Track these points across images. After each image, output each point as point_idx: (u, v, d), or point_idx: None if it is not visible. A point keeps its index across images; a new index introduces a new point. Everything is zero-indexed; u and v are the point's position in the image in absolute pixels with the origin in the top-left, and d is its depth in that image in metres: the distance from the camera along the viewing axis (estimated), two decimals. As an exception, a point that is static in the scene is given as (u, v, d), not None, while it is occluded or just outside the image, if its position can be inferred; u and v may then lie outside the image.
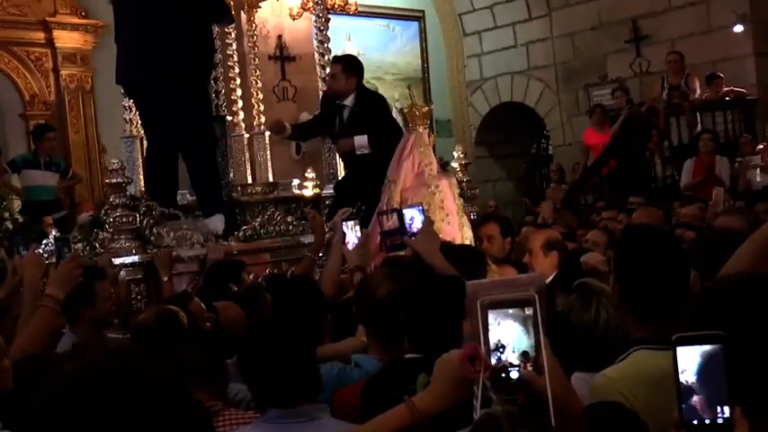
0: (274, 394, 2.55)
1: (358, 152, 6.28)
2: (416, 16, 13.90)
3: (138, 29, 5.74)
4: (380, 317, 3.19)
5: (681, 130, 10.79)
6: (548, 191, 11.83)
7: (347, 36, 12.40)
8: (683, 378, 1.56)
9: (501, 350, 1.84)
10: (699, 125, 10.68)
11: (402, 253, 4.16)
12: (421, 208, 4.39)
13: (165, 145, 5.99)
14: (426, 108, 5.65)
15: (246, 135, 7.22)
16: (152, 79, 5.73)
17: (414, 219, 4.25)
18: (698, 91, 10.93)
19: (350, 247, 4.48)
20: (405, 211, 4.34)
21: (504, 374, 1.83)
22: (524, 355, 1.80)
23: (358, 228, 4.60)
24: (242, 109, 7.22)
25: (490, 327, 1.84)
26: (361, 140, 6.26)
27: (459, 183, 7.56)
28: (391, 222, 4.46)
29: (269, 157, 7.28)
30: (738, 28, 11.00)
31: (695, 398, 1.56)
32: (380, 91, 13.02)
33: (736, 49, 11.16)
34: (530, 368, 1.80)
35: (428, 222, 4.21)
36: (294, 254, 6.06)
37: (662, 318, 2.50)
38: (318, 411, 2.51)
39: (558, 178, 12.15)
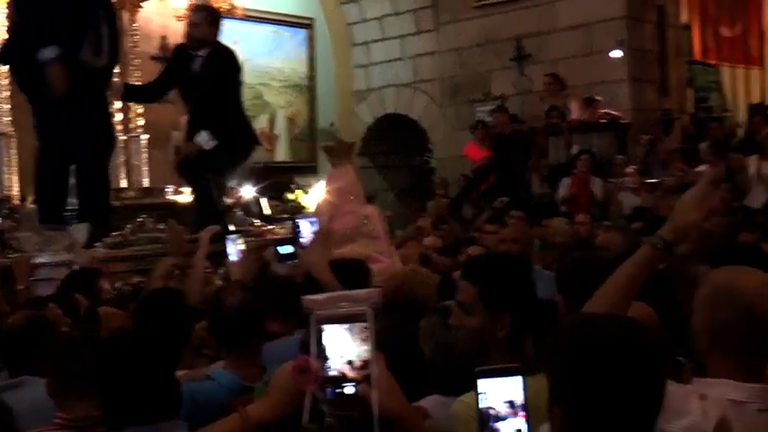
0: (131, 411, 2.45)
1: (207, 148, 6.19)
2: (306, 23, 13.86)
3: None
4: (228, 327, 3.14)
5: (558, 149, 11.06)
6: (429, 204, 11.94)
7: (234, 40, 12.20)
8: (486, 410, 1.64)
9: (335, 363, 1.87)
10: (575, 145, 10.99)
11: None
12: (315, 220, 4.37)
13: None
14: (350, 142, 5.64)
15: (123, 137, 7.03)
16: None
17: (305, 230, 4.22)
18: (575, 112, 11.24)
19: (233, 260, 4.44)
20: (299, 221, 4.31)
21: (339, 389, 1.86)
22: (350, 363, 1.83)
23: (241, 241, 4.55)
24: (119, 110, 7.03)
25: (325, 340, 1.86)
26: (202, 137, 6.19)
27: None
28: (284, 232, 4.43)
29: (145, 160, 7.12)
30: (616, 53, 11.36)
31: (496, 427, 1.63)
32: (266, 97, 13.01)
33: (613, 74, 11.51)
34: (359, 379, 1.83)
35: (320, 235, 4.16)
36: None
37: (517, 344, 2.55)
38: (176, 428, 2.41)
39: (444, 192, 12.26)
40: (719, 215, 2.86)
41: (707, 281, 2.27)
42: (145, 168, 7.10)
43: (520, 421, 1.64)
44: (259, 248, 5.10)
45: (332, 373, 1.86)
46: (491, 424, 1.64)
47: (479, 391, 1.65)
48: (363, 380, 1.86)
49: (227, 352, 3.21)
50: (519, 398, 1.66)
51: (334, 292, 2.16)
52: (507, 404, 1.65)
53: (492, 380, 1.67)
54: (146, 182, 7.05)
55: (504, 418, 1.64)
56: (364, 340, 1.85)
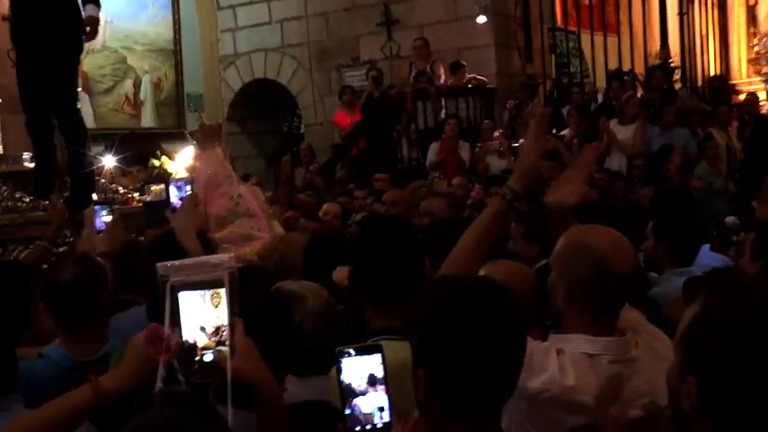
0: None
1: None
2: (169, -14, 13.46)
3: None
4: (62, 302, 3.06)
5: (427, 114, 11.18)
6: (297, 170, 11.89)
7: (94, 2, 11.80)
8: (348, 387, 1.65)
9: (190, 330, 1.84)
10: (443, 110, 11.13)
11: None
12: (184, 183, 4.28)
13: None
14: (217, 123, 5.49)
15: (-25, 99, 6.70)
16: None
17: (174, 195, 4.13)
18: (443, 77, 11.37)
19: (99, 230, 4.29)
20: (173, 184, 4.22)
21: (197, 357, 1.84)
22: (205, 330, 1.81)
23: (105, 212, 4.40)
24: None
25: (181, 307, 1.83)
26: (93, 9, 6.07)
27: (204, 159, 7.48)
28: (158, 195, 4.32)
29: (-1, 126, 6.80)
30: (481, 19, 11.53)
31: (358, 405, 1.64)
32: (129, 61, 12.56)
33: (478, 39, 11.72)
34: (217, 346, 1.81)
35: (189, 199, 4.07)
36: (23, 233, 5.71)
37: (398, 307, 2.57)
38: (10, 402, 2.36)
39: (309, 158, 12.22)
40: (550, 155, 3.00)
41: (562, 239, 2.33)
42: (-2, 134, 6.78)
43: (381, 395, 1.65)
44: (125, 218, 4.93)
45: (187, 340, 1.84)
46: (352, 400, 1.64)
47: (340, 370, 1.65)
48: (220, 346, 1.83)
49: (63, 328, 3.12)
50: (379, 373, 1.66)
51: (191, 259, 2.12)
52: (367, 380, 1.65)
53: (352, 359, 1.66)
54: (-1, 148, 6.75)
55: (364, 393, 1.64)
56: (221, 306, 1.83)
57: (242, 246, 4.52)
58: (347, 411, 1.64)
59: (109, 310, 3.24)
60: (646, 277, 3.87)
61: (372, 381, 1.65)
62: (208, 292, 1.83)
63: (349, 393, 1.64)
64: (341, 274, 3.15)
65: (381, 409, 1.65)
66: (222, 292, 1.83)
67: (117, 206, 6.28)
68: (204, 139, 5.16)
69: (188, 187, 4.26)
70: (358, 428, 1.63)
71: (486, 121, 11.01)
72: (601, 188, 7.04)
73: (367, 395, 1.64)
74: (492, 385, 1.72)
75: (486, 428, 1.74)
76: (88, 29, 6.05)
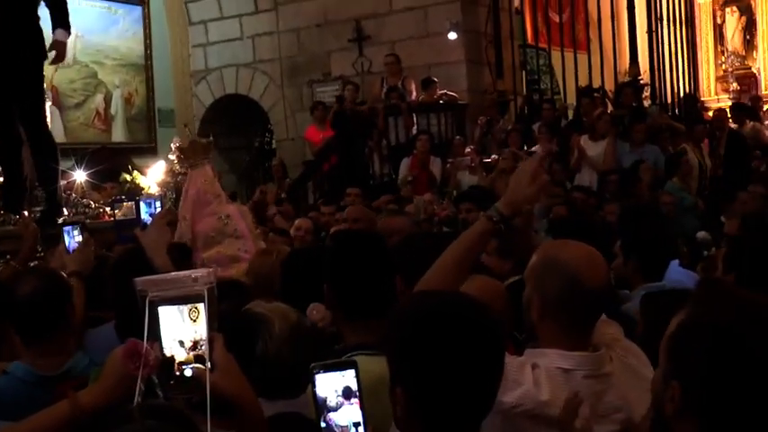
0: None
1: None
2: (140, 1, 13.44)
3: None
4: (22, 315, 3.02)
5: (398, 129, 11.21)
6: (269, 185, 11.88)
7: (64, 16, 11.75)
8: (322, 402, 1.65)
9: (169, 345, 1.83)
10: (415, 126, 11.17)
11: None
12: (154, 200, 4.25)
13: None
14: (206, 141, 5.46)
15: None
16: None
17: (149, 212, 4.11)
18: (414, 93, 11.42)
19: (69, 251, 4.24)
20: (143, 201, 4.19)
21: (178, 372, 1.83)
22: (184, 345, 1.81)
23: (77, 232, 4.37)
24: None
25: (165, 322, 1.83)
26: (62, 34, 6.13)
27: (176, 174, 7.44)
28: (128, 212, 4.28)
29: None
30: (452, 35, 11.61)
31: (333, 420, 1.64)
32: (100, 76, 12.55)
33: (449, 55, 11.78)
34: (196, 360, 1.81)
35: (160, 216, 4.05)
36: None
37: (375, 321, 2.57)
38: None
39: (281, 174, 12.21)
40: (550, 191, 3.02)
41: (536, 254, 2.35)
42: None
43: (355, 411, 1.65)
44: (96, 234, 4.87)
45: (167, 355, 1.83)
46: (327, 415, 1.64)
47: (315, 385, 1.66)
48: (199, 361, 1.82)
49: (26, 343, 3.07)
50: (353, 388, 1.66)
51: (169, 273, 2.11)
52: (342, 395, 1.65)
53: (326, 374, 1.66)
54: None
55: (338, 408, 1.64)
56: (199, 321, 1.82)
57: (228, 267, 4.50)
58: (323, 425, 1.64)
59: (74, 325, 3.20)
60: (617, 294, 3.90)
61: (347, 396, 1.65)
62: (186, 307, 1.82)
63: (324, 408, 1.64)
64: (316, 314, 3.13)
65: (357, 425, 1.64)
66: (201, 306, 1.82)
67: (88, 220, 6.26)
68: (193, 155, 5.10)
69: (158, 204, 4.24)
70: None
71: (457, 137, 11.05)
72: (573, 204, 7.09)
73: (342, 410, 1.64)
74: (471, 401, 1.72)
75: None
76: (55, 52, 6.10)
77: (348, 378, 1.66)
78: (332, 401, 1.65)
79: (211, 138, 6.02)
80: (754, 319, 1.54)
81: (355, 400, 1.65)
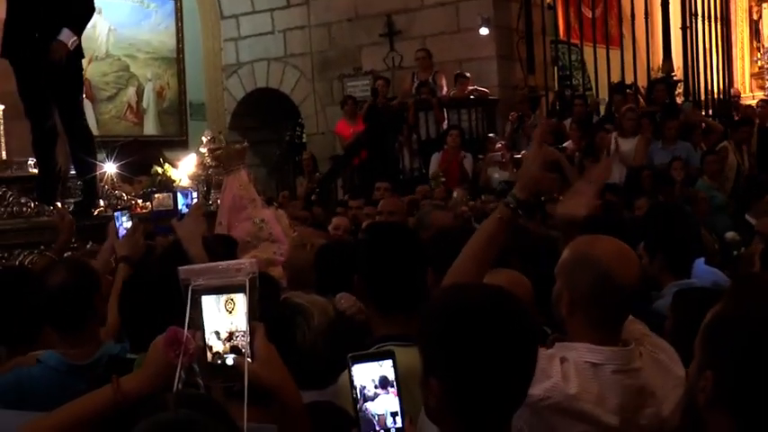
0: None
1: (72, 47, 6.04)
2: (173, -5, 13.52)
3: None
4: (53, 306, 3.07)
5: (429, 124, 11.20)
6: (299, 179, 11.93)
7: (98, 9, 11.84)
8: (360, 391, 1.65)
9: (211, 334, 1.85)
10: (446, 121, 11.15)
11: None
12: (190, 191, 4.27)
13: None
14: (240, 146, 5.49)
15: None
16: None
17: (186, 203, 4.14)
18: (445, 88, 11.40)
19: (119, 236, 4.29)
20: (179, 192, 4.22)
21: (219, 361, 1.83)
22: (227, 334, 1.82)
23: (126, 218, 4.41)
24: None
25: (204, 312, 1.84)
26: (67, 35, 6.01)
27: (207, 168, 7.48)
28: (165, 203, 4.31)
29: (2, 132, 6.81)
30: (484, 31, 11.57)
31: (370, 410, 1.65)
32: (133, 69, 12.65)
33: (480, 51, 11.74)
34: (231, 351, 1.81)
35: (196, 207, 4.08)
36: (27, 237, 5.74)
37: (405, 314, 2.58)
38: None
39: (311, 167, 12.24)
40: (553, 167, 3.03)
41: (567, 249, 2.34)
42: (2, 141, 6.79)
43: (393, 400, 1.66)
44: (144, 224, 4.90)
45: (209, 344, 1.84)
46: (364, 405, 1.64)
47: (352, 375, 1.66)
48: (235, 352, 1.83)
49: (57, 333, 3.13)
50: (391, 378, 1.67)
51: (213, 263, 2.12)
52: (379, 385, 1.66)
53: (364, 364, 1.67)
54: (3, 154, 6.76)
55: (375, 398, 1.65)
56: (236, 311, 1.83)
57: (264, 270, 4.50)
58: (360, 415, 1.64)
59: (103, 314, 3.25)
60: (648, 293, 3.86)
61: (384, 385, 1.66)
62: (222, 297, 1.83)
63: (361, 398, 1.65)
64: (344, 303, 3.14)
65: (394, 414, 1.65)
66: (237, 297, 1.83)
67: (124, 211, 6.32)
68: (228, 161, 5.14)
69: (194, 194, 4.26)
70: None
71: (490, 135, 11.01)
72: (608, 204, 7.04)
73: (378, 399, 1.65)
74: (505, 393, 1.74)
75: None
76: (52, 53, 5.97)
77: (385, 368, 1.67)
78: (369, 391, 1.65)
79: (246, 143, 6.05)
80: None
81: (392, 390, 1.66)
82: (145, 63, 12.88)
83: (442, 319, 1.77)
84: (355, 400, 1.65)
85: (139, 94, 12.80)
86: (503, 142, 10.54)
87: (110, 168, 7.77)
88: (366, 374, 1.66)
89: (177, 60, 13.41)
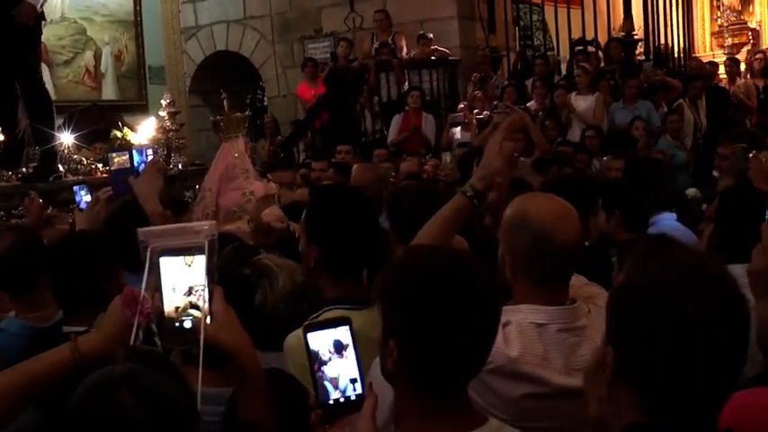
0: None
1: (40, 10, 5.94)
2: (129, -44, 13.25)
3: None
4: (3, 271, 3.11)
5: (390, 86, 11.15)
6: (260, 142, 11.84)
7: (52, -28, 11.61)
8: (315, 358, 1.63)
9: (169, 296, 1.84)
10: (407, 82, 11.11)
11: None
12: (145, 149, 4.27)
13: None
14: (241, 115, 5.43)
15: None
16: None
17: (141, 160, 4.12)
18: (405, 49, 11.34)
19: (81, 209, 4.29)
20: (135, 150, 4.21)
21: (177, 322, 1.82)
22: (185, 296, 1.81)
23: (85, 191, 4.40)
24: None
25: (162, 273, 1.83)
26: None
27: (167, 131, 7.41)
28: (122, 161, 4.28)
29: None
30: (444, -10, 11.50)
31: (329, 378, 1.63)
32: (90, 33, 12.39)
33: (441, 11, 11.67)
34: (190, 307, 1.81)
35: (151, 164, 4.05)
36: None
37: (355, 276, 2.59)
38: None
39: (273, 130, 12.16)
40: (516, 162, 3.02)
41: (507, 209, 2.35)
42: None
43: (351, 367, 1.64)
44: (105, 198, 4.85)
45: (166, 305, 1.83)
46: (321, 374, 1.62)
47: (308, 343, 1.64)
48: (194, 307, 1.83)
49: (12, 298, 3.16)
50: (348, 345, 1.65)
51: (172, 225, 2.12)
52: (335, 352, 1.64)
53: (320, 332, 1.65)
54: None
55: (333, 366, 1.63)
56: (196, 267, 1.83)
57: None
58: (317, 384, 1.62)
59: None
60: (605, 251, 3.89)
61: (340, 352, 1.64)
62: (187, 258, 1.83)
63: (318, 367, 1.63)
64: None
65: (353, 381, 1.63)
66: (202, 258, 1.82)
67: (80, 177, 6.26)
68: (226, 129, 5.10)
69: (149, 152, 4.24)
70: (330, 401, 1.62)
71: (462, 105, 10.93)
72: (563, 160, 7.08)
73: (336, 367, 1.63)
74: (464, 358, 1.72)
75: (456, 399, 1.74)
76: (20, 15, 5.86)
77: (342, 335, 1.65)
78: (326, 359, 1.63)
79: (248, 112, 5.99)
80: (689, 279, 1.51)
81: (349, 355, 1.64)
82: (102, 26, 12.60)
83: (404, 280, 1.75)
84: (311, 367, 1.63)
85: (97, 58, 12.53)
86: (465, 103, 10.53)
87: (65, 138, 7.68)
88: (322, 343, 1.64)
89: (135, 23, 13.11)
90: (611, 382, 1.56)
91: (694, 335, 1.46)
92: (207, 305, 1.83)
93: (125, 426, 1.45)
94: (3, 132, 6.22)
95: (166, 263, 1.83)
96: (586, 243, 3.37)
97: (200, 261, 1.82)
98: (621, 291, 1.60)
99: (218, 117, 5.43)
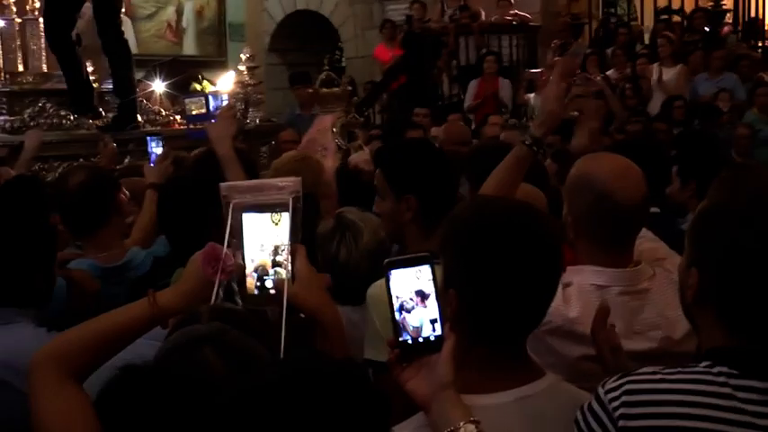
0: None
1: None
2: None
3: None
4: (72, 205, 3.09)
5: (469, 50, 11.06)
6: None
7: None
8: (396, 300, 1.58)
9: (252, 253, 1.81)
10: (485, 47, 11.01)
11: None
12: (221, 96, 4.27)
13: None
14: (341, 90, 5.45)
15: (19, 20, 6.72)
16: None
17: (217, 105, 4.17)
18: (482, 13, 11.22)
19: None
20: (210, 96, 4.23)
21: (259, 283, 1.81)
22: (262, 248, 1.79)
23: (156, 143, 4.40)
24: (15, -10, 6.71)
25: (245, 230, 1.80)
26: None
27: (246, 86, 7.47)
28: (199, 107, 4.33)
29: (43, 45, 6.82)
30: (527, -45, 11.32)
31: (409, 318, 1.58)
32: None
33: (524, -24, 11.50)
34: (274, 266, 1.80)
35: (227, 108, 4.07)
36: (66, 149, 5.81)
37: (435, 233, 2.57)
38: (18, 315, 2.33)
39: (351, 90, 12.16)
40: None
41: (572, 169, 2.30)
42: (43, 53, 6.80)
43: (432, 308, 1.58)
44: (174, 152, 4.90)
45: (248, 264, 1.80)
46: (401, 315, 1.57)
47: (390, 282, 1.59)
48: (277, 266, 1.80)
49: (79, 236, 3.17)
50: (429, 285, 1.59)
51: (255, 180, 2.08)
52: (416, 292, 1.58)
53: (401, 270, 1.58)
54: (44, 67, 6.79)
55: (412, 309, 1.58)
56: (281, 225, 1.79)
57: None
58: (396, 324, 1.58)
59: (123, 221, 3.30)
60: (676, 219, 3.82)
61: (422, 292, 1.58)
62: (271, 215, 1.78)
63: (398, 305, 1.58)
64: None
65: (433, 321, 1.58)
66: (286, 215, 1.78)
67: (159, 127, 6.36)
68: (334, 102, 5.15)
69: (224, 98, 4.25)
70: (409, 340, 1.58)
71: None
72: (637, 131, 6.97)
73: (416, 310, 1.58)
74: (523, 311, 1.69)
75: (512, 352, 1.73)
76: None
77: (423, 274, 1.59)
78: (406, 299, 1.58)
79: (349, 87, 5.97)
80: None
81: (432, 299, 1.58)
82: (187, -18, 12.80)
83: (464, 230, 1.73)
84: (390, 305, 1.58)
85: (179, 13, 12.76)
86: (543, 69, 10.39)
87: (157, 87, 7.81)
88: (403, 281, 1.59)
89: (219, -19, 13.32)
90: (693, 302, 1.58)
91: None
92: (290, 264, 1.79)
93: (208, 384, 1.45)
94: (66, 79, 6.26)
95: (249, 219, 1.80)
96: (657, 210, 3.31)
97: (285, 219, 1.78)
98: (708, 211, 1.60)
99: (330, 90, 5.44)
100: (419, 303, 1.58)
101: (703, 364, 1.53)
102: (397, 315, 1.58)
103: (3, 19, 6.61)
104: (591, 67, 9.85)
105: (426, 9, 11.61)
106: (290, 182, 1.83)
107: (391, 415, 1.31)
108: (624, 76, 9.76)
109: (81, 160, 5.60)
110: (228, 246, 1.80)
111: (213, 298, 1.76)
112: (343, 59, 14.13)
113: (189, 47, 12.94)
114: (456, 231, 1.76)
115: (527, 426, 1.67)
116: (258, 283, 1.81)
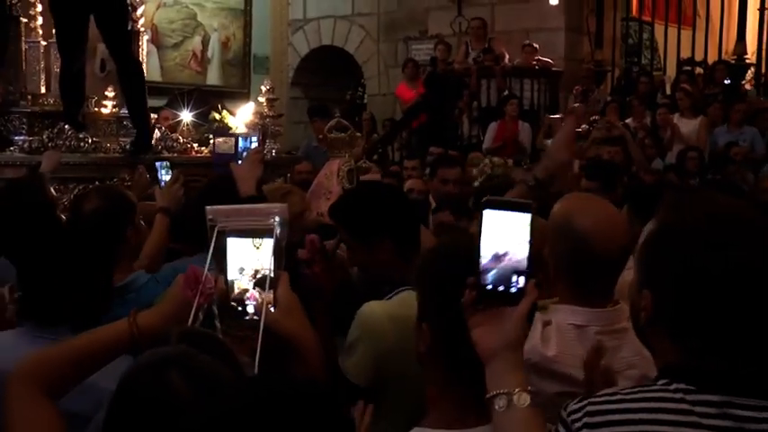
0: (37, 307, 2.40)
1: None
2: (243, -54, 13.52)
3: None
4: (84, 230, 3.08)
5: (490, 92, 11.10)
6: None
7: (167, -41, 11.93)
8: (485, 242, 1.52)
9: (234, 277, 1.80)
10: (507, 90, 11.04)
11: None
12: (250, 137, 4.32)
13: None
14: (348, 135, 5.50)
15: (44, 42, 6.80)
16: None
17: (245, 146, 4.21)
18: (506, 56, 11.27)
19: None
20: (240, 137, 4.27)
21: (240, 308, 1.80)
22: (241, 272, 1.79)
23: (165, 169, 4.44)
24: (41, 13, 6.78)
25: (229, 253, 1.80)
26: None
27: (264, 117, 7.51)
28: (227, 147, 4.37)
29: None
30: (553, 1, 11.38)
31: (493, 263, 1.52)
32: (200, 18, 12.71)
33: (549, 22, 11.57)
34: (254, 287, 1.79)
35: (255, 151, 4.09)
36: (83, 172, 5.85)
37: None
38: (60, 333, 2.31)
39: (370, 128, 12.22)
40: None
41: (555, 208, 2.30)
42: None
43: (519, 261, 1.50)
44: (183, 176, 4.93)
45: (232, 280, 1.80)
46: (489, 259, 1.51)
47: (483, 220, 1.51)
48: (257, 287, 1.80)
49: None
50: (524, 235, 1.51)
51: (242, 205, 2.09)
52: (509, 239, 1.51)
53: (497, 212, 1.51)
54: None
55: (500, 256, 1.51)
56: (264, 250, 1.79)
57: None
58: (481, 265, 1.51)
59: (134, 248, 3.33)
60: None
61: (515, 240, 1.51)
62: (255, 240, 1.78)
63: (487, 249, 1.51)
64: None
65: (519, 274, 1.51)
66: (270, 241, 1.78)
67: (176, 154, 6.38)
68: (333, 145, 5.20)
69: (253, 140, 4.28)
70: (489, 286, 1.52)
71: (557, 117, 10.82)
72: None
73: (506, 255, 1.52)
74: None
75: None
76: None
77: (521, 222, 1.51)
78: (498, 244, 1.51)
79: (359, 134, 6.02)
80: (723, 222, 1.50)
81: (523, 249, 1.51)
82: (212, 13, 12.91)
83: (433, 264, 1.76)
84: (479, 248, 1.51)
85: (205, 43, 12.85)
86: (562, 114, 10.40)
87: (185, 116, 7.87)
88: (498, 225, 1.51)
89: (244, 12, 13.41)
90: (647, 324, 1.55)
91: (742, 279, 1.45)
92: (271, 290, 1.80)
93: (172, 407, 1.44)
94: (63, 102, 6.25)
95: (234, 244, 1.80)
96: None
97: (268, 244, 1.79)
98: (659, 233, 1.56)
99: (340, 136, 5.47)
100: (509, 251, 1.52)
101: (660, 381, 1.52)
102: (483, 259, 1.52)
103: (28, 42, 6.68)
104: (611, 114, 9.85)
105: (451, 50, 11.68)
106: (275, 207, 1.84)
107: None
108: (643, 125, 9.75)
109: (97, 183, 5.62)
110: (210, 269, 1.80)
111: (191, 320, 1.76)
112: (366, 96, 14.20)
113: (213, 77, 13.02)
114: (425, 266, 1.79)
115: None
116: (239, 308, 1.81)
